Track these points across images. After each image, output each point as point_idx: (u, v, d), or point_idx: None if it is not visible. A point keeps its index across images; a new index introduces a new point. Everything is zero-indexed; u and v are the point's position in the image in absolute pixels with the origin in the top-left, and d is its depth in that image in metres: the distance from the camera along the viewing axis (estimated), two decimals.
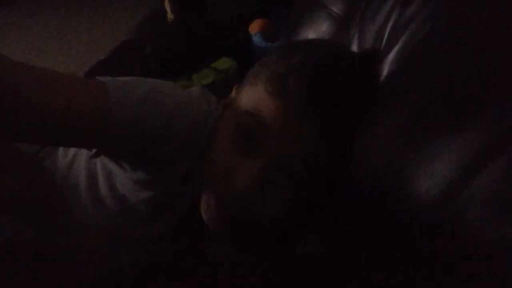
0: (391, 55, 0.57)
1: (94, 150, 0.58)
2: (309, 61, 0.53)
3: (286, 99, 0.51)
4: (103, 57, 1.27)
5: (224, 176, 0.54)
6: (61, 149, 0.74)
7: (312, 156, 0.52)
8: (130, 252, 0.62)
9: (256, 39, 1.22)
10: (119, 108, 0.53)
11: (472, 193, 0.35)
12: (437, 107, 0.43)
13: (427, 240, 0.37)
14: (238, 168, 0.53)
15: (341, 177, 0.52)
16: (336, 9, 0.88)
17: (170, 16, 1.38)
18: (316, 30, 0.91)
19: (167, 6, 1.38)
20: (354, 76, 0.55)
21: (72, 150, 0.72)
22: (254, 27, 1.25)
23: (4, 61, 0.48)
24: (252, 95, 0.55)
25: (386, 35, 0.62)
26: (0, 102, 0.46)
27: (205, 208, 0.56)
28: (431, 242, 0.37)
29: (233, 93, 0.62)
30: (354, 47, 0.71)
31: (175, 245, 0.66)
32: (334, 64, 0.54)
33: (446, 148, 0.39)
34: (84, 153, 0.69)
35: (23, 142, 0.56)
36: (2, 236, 0.55)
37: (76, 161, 0.70)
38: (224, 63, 1.17)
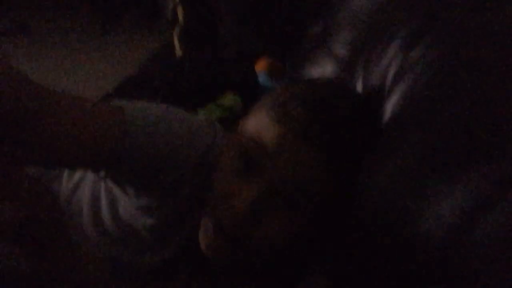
0: (395, 98, 0.58)
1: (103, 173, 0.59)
2: (313, 89, 0.55)
3: (287, 124, 0.52)
4: (109, 91, 1.29)
5: (222, 201, 0.54)
6: (66, 173, 0.74)
7: (311, 183, 0.52)
8: (130, 282, 0.61)
9: (261, 78, 1.23)
10: (135, 130, 0.55)
11: (476, 235, 0.35)
12: (441, 150, 0.43)
13: (432, 282, 0.37)
14: (237, 192, 0.53)
15: (342, 208, 0.52)
16: (340, 52, 0.90)
17: (178, 52, 1.41)
18: (320, 73, 0.93)
19: (176, 42, 1.41)
20: (356, 108, 0.57)
21: (77, 175, 0.72)
22: (260, 66, 1.27)
23: (29, 83, 0.48)
24: (255, 122, 0.56)
25: (390, 78, 0.63)
26: (20, 125, 0.46)
27: (203, 233, 0.56)
28: (436, 284, 0.37)
29: (239, 128, 0.62)
30: (358, 90, 0.72)
31: (176, 276, 0.66)
32: (336, 94, 0.56)
33: (450, 191, 0.39)
34: (89, 179, 0.69)
35: (34, 166, 0.57)
36: None
37: (80, 186, 0.71)
38: (229, 100, 1.18)
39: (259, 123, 0.55)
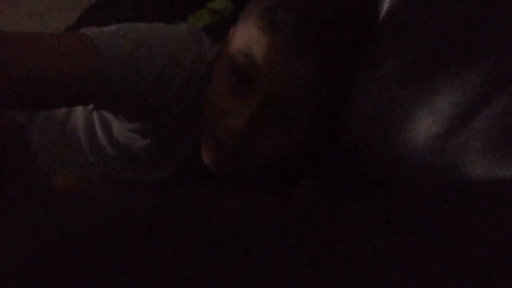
0: None
1: (90, 108, 0.57)
2: None
3: (275, 34, 0.50)
4: (93, 1, 1.23)
5: (219, 118, 0.54)
6: None
7: (304, 94, 0.52)
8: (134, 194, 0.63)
9: None
10: (110, 61, 0.52)
11: (473, 130, 0.35)
12: (438, 45, 0.42)
13: (428, 178, 0.38)
14: (233, 109, 0.53)
15: (338, 115, 0.52)
16: None
17: None
18: None
19: None
20: (348, 12, 0.53)
21: None
22: None
23: None
24: (244, 32, 0.54)
25: None
26: None
27: (205, 151, 0.57)
28: (432, 180, 0.37)
29: (229, 36, 0.60)
30: None
31: (179, 188, 0.67)
32: (327, 0, 0.52)
33: (447, 86, 0.38)
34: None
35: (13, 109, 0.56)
36: None
37: (73, 109, 0.70)
38: (219, 2, 1.14)
39: (247, 34, 0.53)
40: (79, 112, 0.68)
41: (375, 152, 0.44)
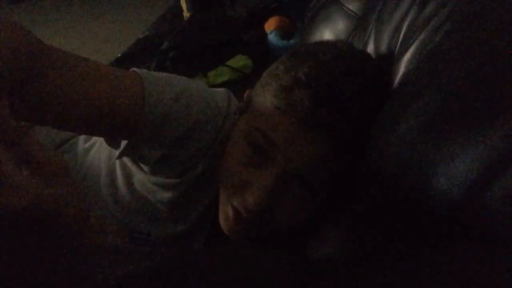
0: (408, 55, 0.57)
1: (118, 152, 0.58)
2: (316, 73, 0.53)
3: (292, 113, 0.52)
4: (119, 55, 1.28)
5: (238, 190, 0.55)
6: (82, 138, 0.75)
7: (321, 166, 0.53)
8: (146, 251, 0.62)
9: (272, 38, 1.21)
10: (153, 103, 0.54)
11: (493, 195, 0.35)
12: (458, 107, 0.42)
13: (447, 241, 0.37)
14: (251, 182, 0.54)
15: (354, 176, 0.52)
16: (352, 7, 0.87)
17: (186, 14, 1.39)
18: (333, 29, 0.90)
19: (183, 4, 1.39)
20: (363, 86, 0.55)
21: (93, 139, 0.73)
22: (270, 25, 1.25)
23: (36, 40, 0.47)
24: (260, 109, 0.56)
25: (402, 34, 0.61)
26: (28, 79, 0.46)
27: (223, 219, 0.57)
28: (451, 243, 0.36)
29: (245, 98, 0.62)
30: (370, 46, 0.70)
31: (191, 244, 0.67)
32: (341, 76, 0.54)
33: (467, 149, 0.38)
34: (105, 150, 0.68)
35: (51, 127, 0.57)
36: None
37: (95, 146, 0.71)
38: (239, 61, 1.17)
39: (264, 111, 0.55)
40: (102, 157, 0.69)
41: (395, 205, 0.44)
